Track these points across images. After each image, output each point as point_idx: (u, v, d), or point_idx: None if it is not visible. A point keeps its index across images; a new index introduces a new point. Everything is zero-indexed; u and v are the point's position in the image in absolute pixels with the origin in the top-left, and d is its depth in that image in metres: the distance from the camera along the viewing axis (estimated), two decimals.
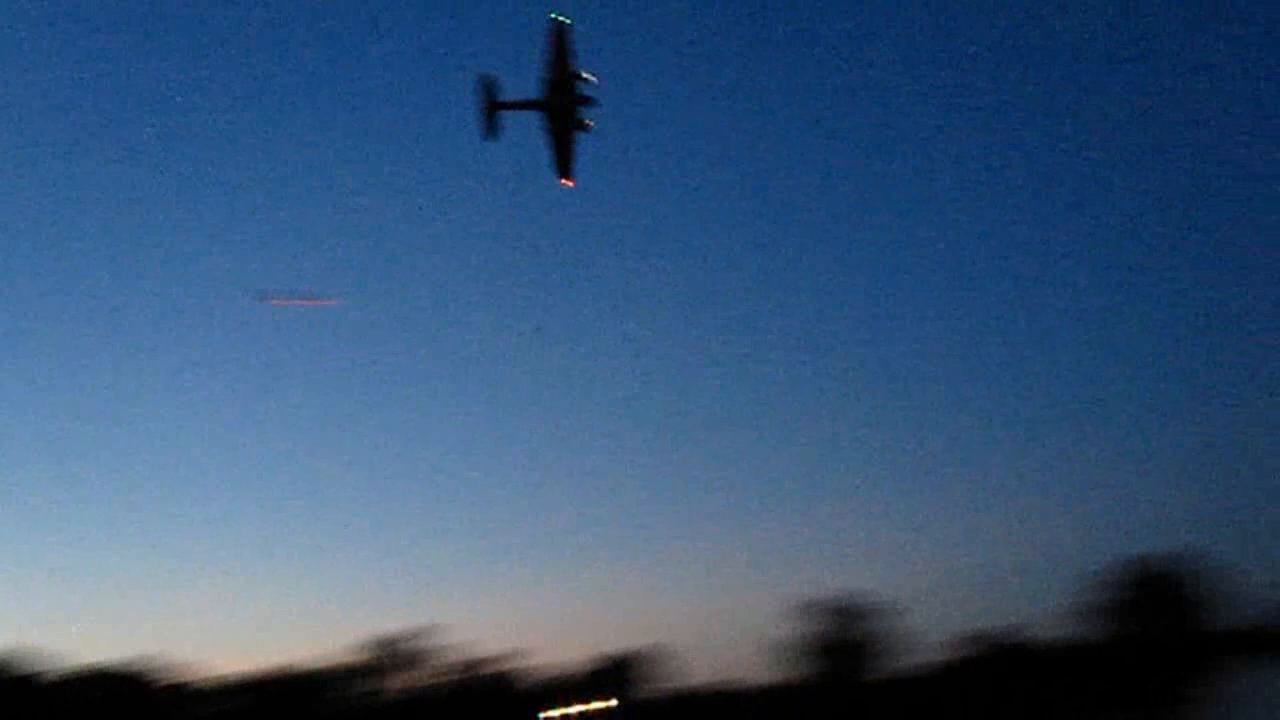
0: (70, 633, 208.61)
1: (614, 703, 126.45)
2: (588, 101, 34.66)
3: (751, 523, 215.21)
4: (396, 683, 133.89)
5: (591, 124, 35.08)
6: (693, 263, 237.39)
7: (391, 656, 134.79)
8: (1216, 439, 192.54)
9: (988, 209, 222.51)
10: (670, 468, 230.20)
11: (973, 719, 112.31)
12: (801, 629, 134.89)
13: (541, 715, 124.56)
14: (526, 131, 39.12)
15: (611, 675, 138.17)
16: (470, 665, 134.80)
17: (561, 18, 33.44)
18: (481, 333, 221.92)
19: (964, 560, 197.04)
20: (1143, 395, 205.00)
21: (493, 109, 35.46)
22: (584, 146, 37.01)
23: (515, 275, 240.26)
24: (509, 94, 35.32)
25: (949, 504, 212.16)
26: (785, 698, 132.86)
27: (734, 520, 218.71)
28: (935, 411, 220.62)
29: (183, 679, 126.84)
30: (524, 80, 37.83)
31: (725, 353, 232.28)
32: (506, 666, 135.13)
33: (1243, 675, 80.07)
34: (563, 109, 34.81)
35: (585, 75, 34.26)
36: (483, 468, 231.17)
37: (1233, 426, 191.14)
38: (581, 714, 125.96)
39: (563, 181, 37.69)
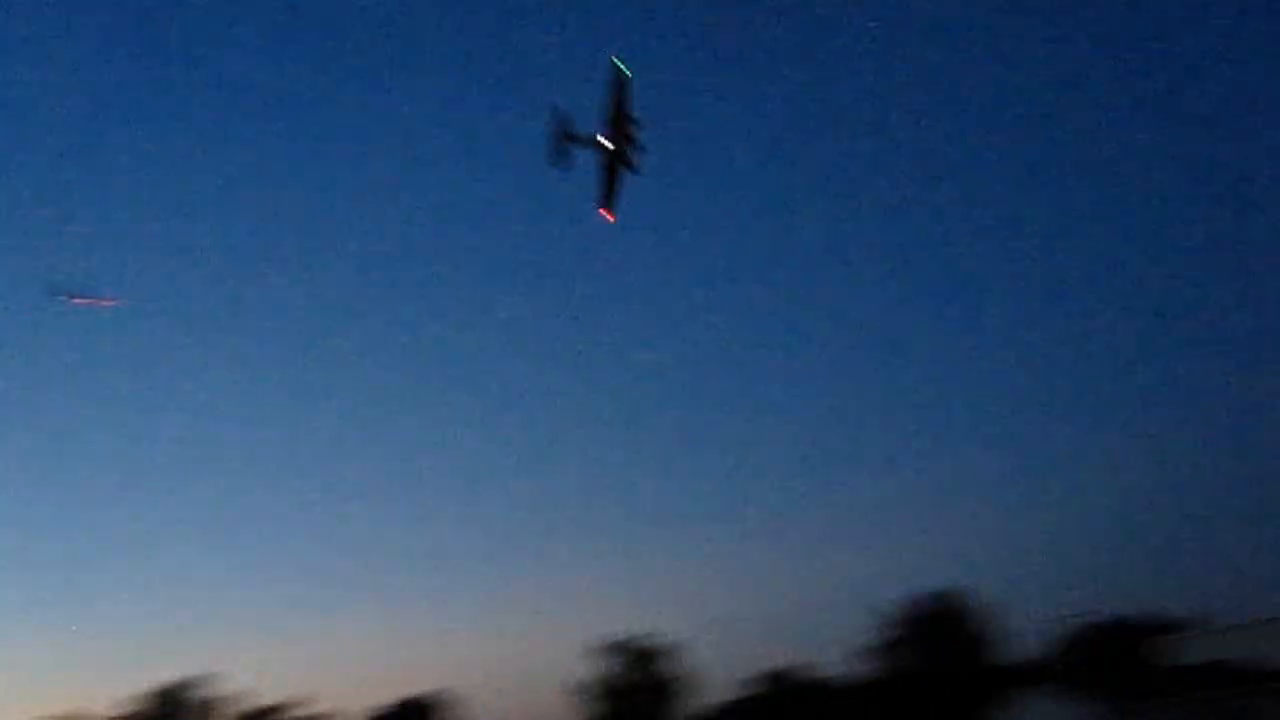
0: None
1: None
2: (637, 144, 37.60)
3: (547, 563, 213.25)
4: None
5: (639, 166, 38.07)
6: None
7: (171, 707, 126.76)
8: (999, 477, 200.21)
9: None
10: (459, 508, 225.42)
11: None
12: (597, 670, 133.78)
13: None
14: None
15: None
16: (256, 714, 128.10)
17: (622, 65, 36.67)
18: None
19: (755, 598, 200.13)
20: (929, 433, 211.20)
21: (563, 140, 38.27)
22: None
23: None
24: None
25: (740, 543, 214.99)
26: None
27: (530, 560, 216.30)
28: (725, 451, 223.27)
29: None
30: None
31: (516, 386, 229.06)
32: (293, 714, 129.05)
33: (1022, 708, 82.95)
34: (617, 148, 37.96)
35: (638, 120, 36.86)
36: (263, 504, 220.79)
37: (1016, 464, 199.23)
38: None
39: (603, 213, 40.45)
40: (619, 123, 38.39)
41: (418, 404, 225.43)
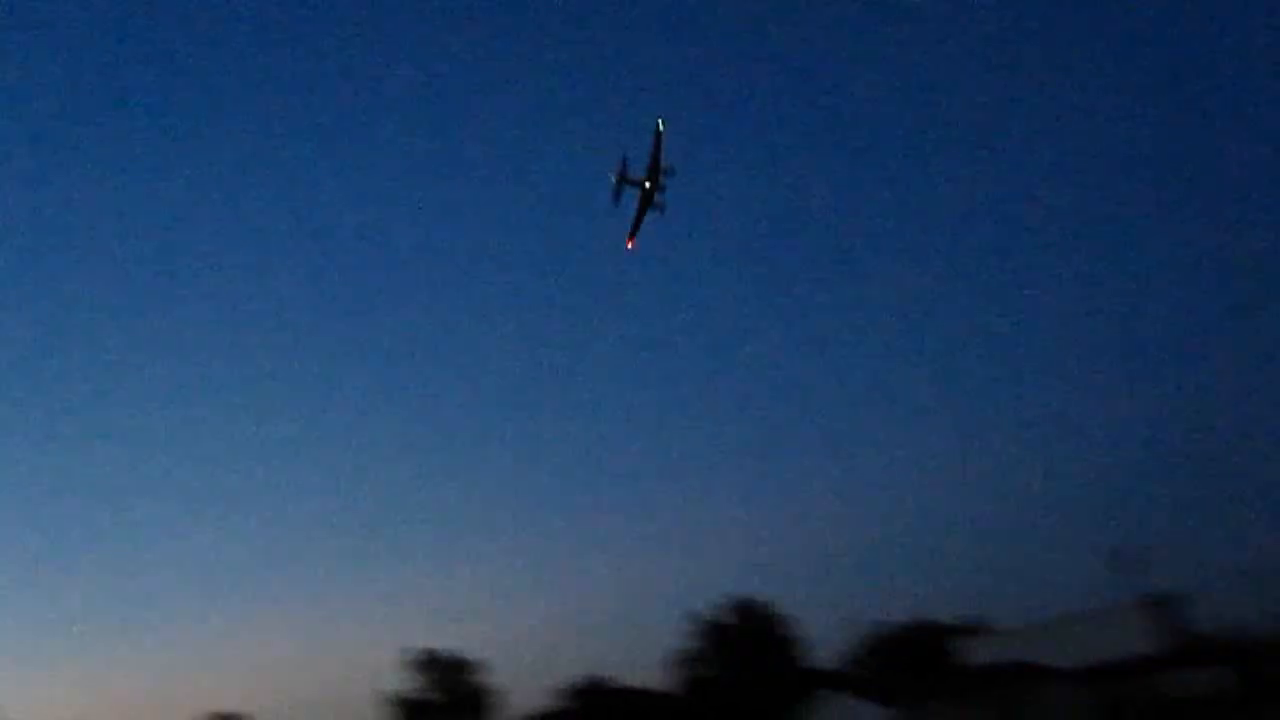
0: None
1: None
2: (663, 189, 43.19)
3: (352, 578, 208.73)
4: None
5: (664, 206, 43.79)
6: None
7: None
8: (802, 488, 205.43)
9: None
10: (259, 523, 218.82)
11: None
12: (403, 683, 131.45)
13: None
14: None
15: None
16: None
17: (662, 123, 42.96)
18: None
19: (561, 609, 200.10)
20: (731, 446, 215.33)
21: (622, 182, 44.02)
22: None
23: None
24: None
25: (544, 555, 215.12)
26: None
27: (335, 576, 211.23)
28: (530, 463, 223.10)
29: None
30: None
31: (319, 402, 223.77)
32: None
33: (823, 711, 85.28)
34: (650, 191, 43.53)
35: (671, 168, 42.83)
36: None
37: (818, 476, 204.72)
38: None
39: (628, 242, 45.88)
40: (655, 170, 43.58)
41: (208, 416, 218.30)
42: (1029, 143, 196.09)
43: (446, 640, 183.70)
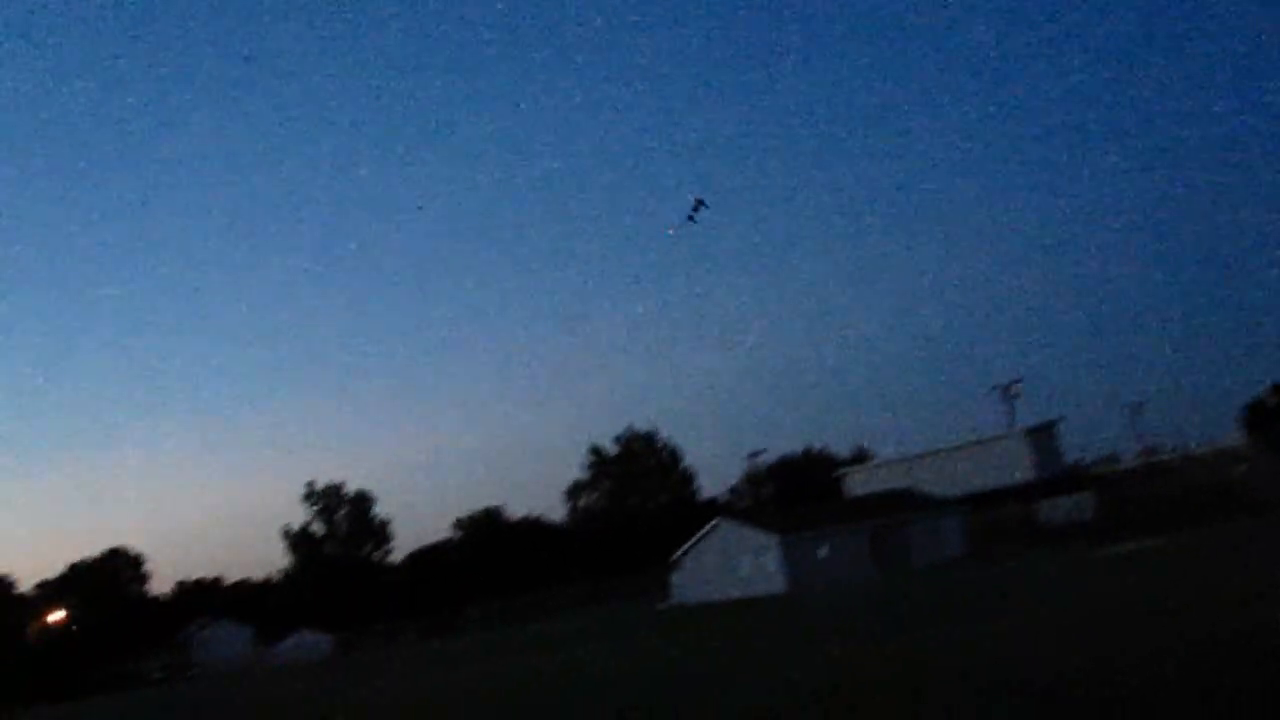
0: None
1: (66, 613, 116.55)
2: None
3: (250, 409, 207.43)
4: None
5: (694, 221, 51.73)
6: None
7: None
8: (687, 319, 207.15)
9: None
10: (141, 351, 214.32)
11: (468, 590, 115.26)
12: (302, 516, 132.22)
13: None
14: None
15: (92, 578, 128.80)
16: None
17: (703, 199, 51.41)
18: None
19: (454, 442, 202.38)
20: (611, 276, 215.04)
21: (695, 209, 51.38)
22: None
23: None
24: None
25: (436, 387, 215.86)
26: (286, 587, 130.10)
27: (232, 406, 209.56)
28: (422, 294, 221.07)
29: None
30: None
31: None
32: None
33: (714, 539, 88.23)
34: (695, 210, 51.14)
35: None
36: None
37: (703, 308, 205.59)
38: (60, 621, 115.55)
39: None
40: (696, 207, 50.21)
41: (101, 237, 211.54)
42: None
43: (342, 473, 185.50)
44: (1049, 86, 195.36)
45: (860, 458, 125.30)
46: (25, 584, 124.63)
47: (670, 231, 68.71)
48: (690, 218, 62.61)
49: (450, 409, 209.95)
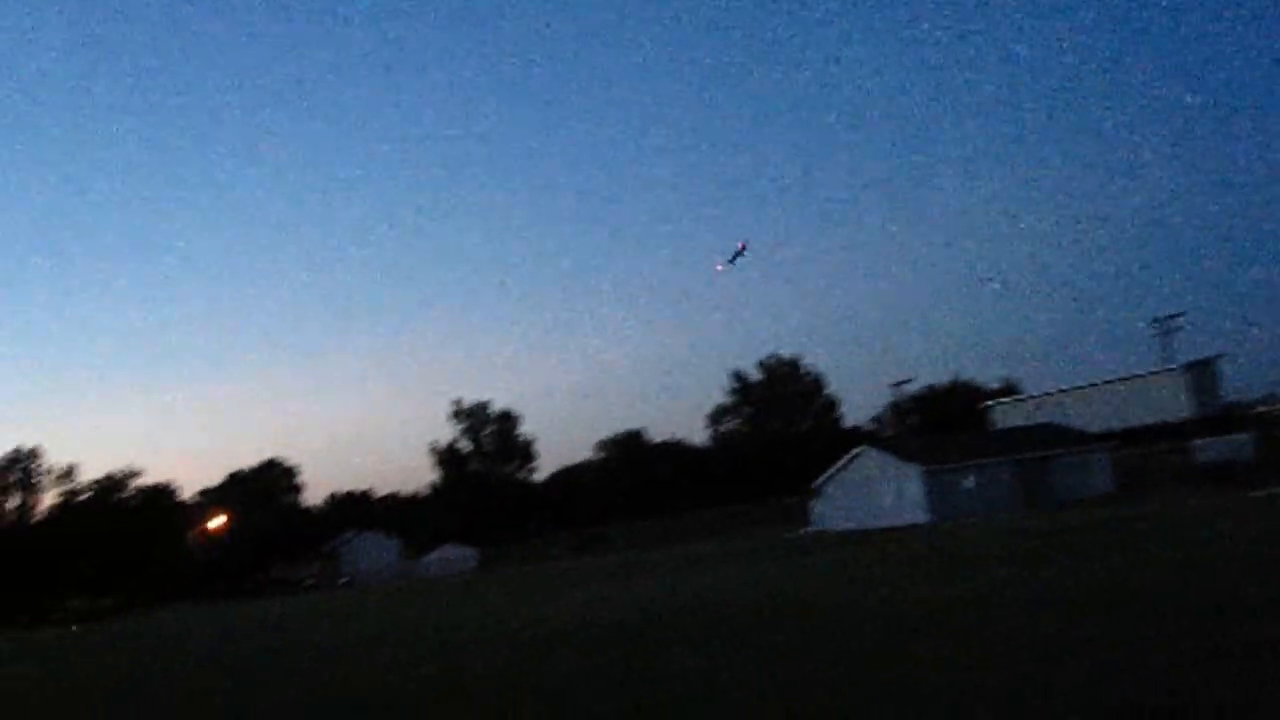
0: None
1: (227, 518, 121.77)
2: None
3: (394, 329, 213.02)
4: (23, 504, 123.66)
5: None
6: None
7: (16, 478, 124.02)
8: (834, 248, 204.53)
9: None
10: (297, 276, 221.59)
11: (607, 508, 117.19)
12: (449, 434, 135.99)
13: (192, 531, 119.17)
14: None
15: (249, 487, 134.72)
16: (86, 487, 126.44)
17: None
18: None
19: (598, 365, 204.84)
20: (766, 206, 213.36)
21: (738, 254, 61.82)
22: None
23: None
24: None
25: (579, 311, 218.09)
26: (434, 501, 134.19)
27: (376, 326, 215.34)
28: (573, 218, 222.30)
29: None
30: None
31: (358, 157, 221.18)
32: (133, 484, 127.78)
33: (856, 468, 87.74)
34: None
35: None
36: (89, 272, 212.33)
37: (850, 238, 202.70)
38: (219, 529, 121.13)
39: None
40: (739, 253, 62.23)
41: (251, 163, 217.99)
42: None
43: (489, 392, 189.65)
44: (1231, 13, 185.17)
45: (1008, 390, 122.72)
46: (187, 492, 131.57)
47: (719, 268, 76.68)
48: (732, 260, 72.46)
49: (596, 332, 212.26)
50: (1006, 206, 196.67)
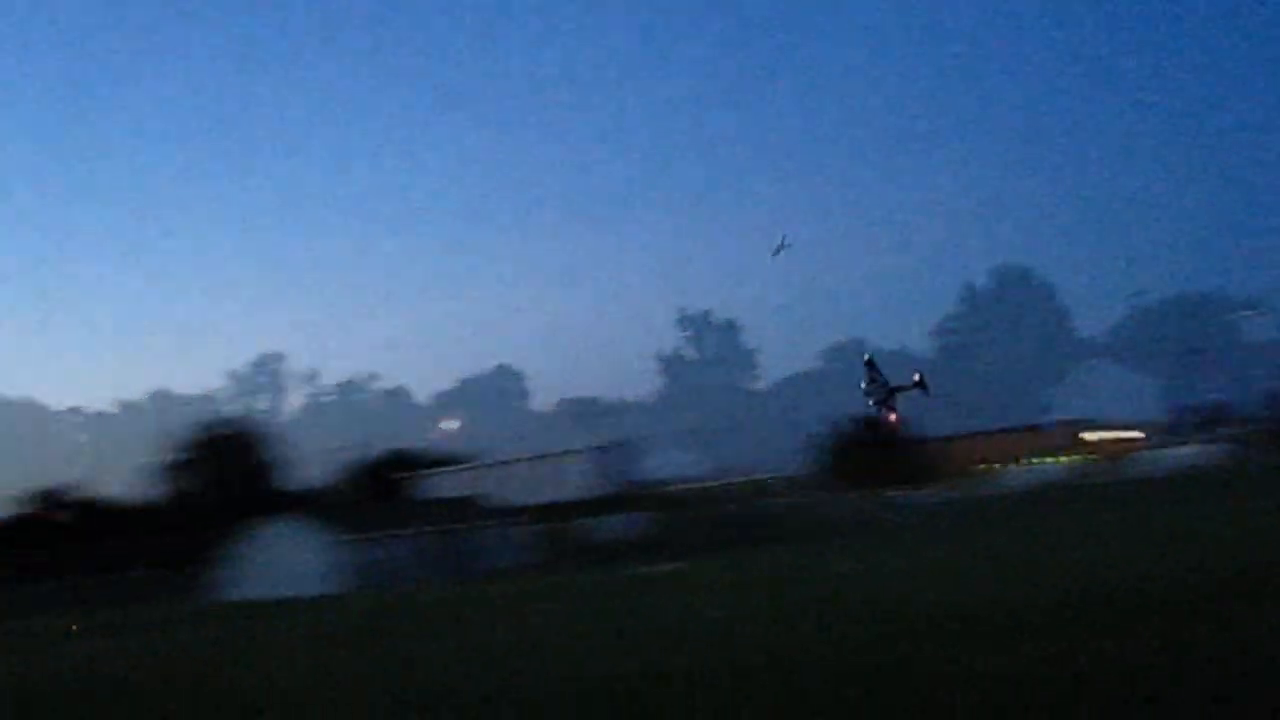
0: None
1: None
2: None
3: (619, 237, 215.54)
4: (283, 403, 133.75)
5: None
6: None
7: (254, 384, 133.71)
8: None
9: None
10: (523, 174, 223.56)
11: None
12: (672, 343, 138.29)
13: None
14: None
15: (479, 393, 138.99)
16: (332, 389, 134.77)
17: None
18: None
19: (820, 273, 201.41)
20: None
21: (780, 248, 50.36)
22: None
23: None
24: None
25: (802, 216, 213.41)
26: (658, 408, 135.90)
27: (599, 234, 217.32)
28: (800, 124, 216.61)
29: None
30: None
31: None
32: (373, 386, 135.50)
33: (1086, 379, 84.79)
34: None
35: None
36: (332, 185, 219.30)
37: None
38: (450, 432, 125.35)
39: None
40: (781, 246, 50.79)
41: (480, 78, 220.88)
42: None
43: (712, 301, 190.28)
44: None
45: (1253, 301, 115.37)
46: (421, 395, 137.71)
47: (772, 257, 58.98)
48: (776, 252, 57.14)
49: (817, 242, 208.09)
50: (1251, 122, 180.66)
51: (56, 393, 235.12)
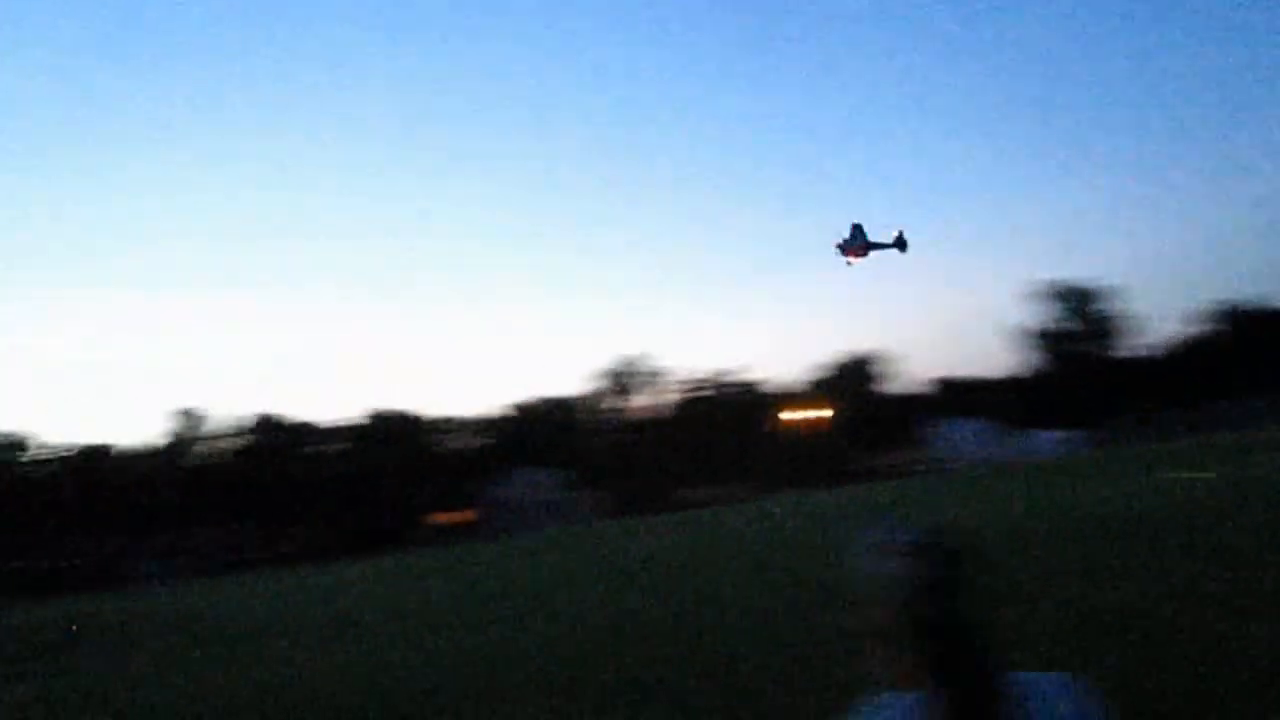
0: None
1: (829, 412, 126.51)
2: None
3: (976, 211, 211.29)
4: (637, 404, 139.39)
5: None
6: None
7: (628, 380, 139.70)
8: None
9: None
10: (872, 161, 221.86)
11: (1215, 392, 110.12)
12: (1034, 316, 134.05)
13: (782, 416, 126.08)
14: None
15: (840, 381, 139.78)
16: (696, 385, 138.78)
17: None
18: None
19: (1186, 235, 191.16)
20: None
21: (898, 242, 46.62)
22: None
23: None
24: None
25: (1171, 173, 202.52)
26: (1029, 383, 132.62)
27: (958, 209, 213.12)
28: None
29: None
30: None
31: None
32: (735, 380, 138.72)
33: None
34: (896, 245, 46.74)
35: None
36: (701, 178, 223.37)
37: None
38: (811, 420, 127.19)
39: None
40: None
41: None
42: None
43: (1077, 269, 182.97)
44: None
45: None
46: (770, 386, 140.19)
47: (850, 263, 47.83)
48: (903, 248, 47.57)
49: (1188, 200, 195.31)
50: None
51: None
